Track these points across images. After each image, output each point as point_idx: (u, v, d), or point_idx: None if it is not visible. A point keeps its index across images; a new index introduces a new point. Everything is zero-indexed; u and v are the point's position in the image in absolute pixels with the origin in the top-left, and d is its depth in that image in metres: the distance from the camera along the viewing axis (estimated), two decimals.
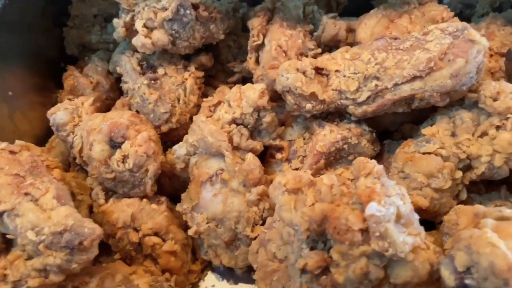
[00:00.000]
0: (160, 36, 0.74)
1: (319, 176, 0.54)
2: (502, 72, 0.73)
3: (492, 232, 0.42)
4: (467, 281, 0.42)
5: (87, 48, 0.92)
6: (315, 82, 0.65)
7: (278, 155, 0.70)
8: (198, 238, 0.67)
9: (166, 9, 0.72)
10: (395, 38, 0.66)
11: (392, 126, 0.73)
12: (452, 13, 0.72)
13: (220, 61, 0.87)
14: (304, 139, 0.69)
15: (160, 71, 0.78)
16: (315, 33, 0.78)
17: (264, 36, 0.76)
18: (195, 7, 0.75)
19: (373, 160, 0.50)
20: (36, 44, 0.87)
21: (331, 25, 0.76)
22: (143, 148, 0.63)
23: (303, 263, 0.48)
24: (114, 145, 0.63)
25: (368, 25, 0.74)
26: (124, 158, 0.63)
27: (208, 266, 0.71)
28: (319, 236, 0.49)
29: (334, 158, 0.67)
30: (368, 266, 0.45)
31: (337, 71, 0.66)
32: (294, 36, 0.74)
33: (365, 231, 0.45)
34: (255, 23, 0.76)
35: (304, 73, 0.64)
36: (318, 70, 0.66)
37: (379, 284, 0.46)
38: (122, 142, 0.63)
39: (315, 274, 0.47)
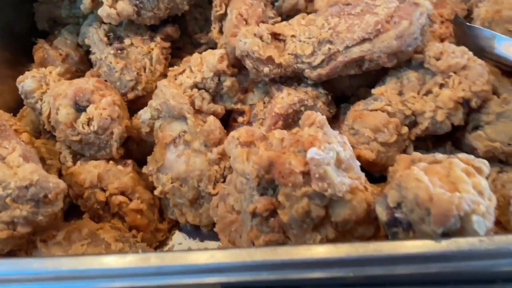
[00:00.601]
0: (124, 6, 0.76)
1: None
2: (452, 38, 0.77)
3: (419, 170, 0.46)
4: (397, 215, 0.46)
5: (57, 22, 0.94)
6: (272, 47, 0.68)
7: (240, 119, 0.73)
8: (164, 198, 0.71)
9: None
10: (348, 4, 0.69)
11: (349, 90, 0.77)
12: None
13: (187, 33, 0.90)
14: (264, 103, 0.73)
15: (127, 41, 0.80)
16: (276, 3, 0.81)
17: (227, 6, 0.79)
18: None
19: (317, 113, 0.54)
20: (7, 20, 0.89)
21: None
22: (107, 111, 0.65)
23: (253, 207, 0.51)
24: (79, 108, 0.66)
25: None
26: (89, 121, 0.66)
27: (175, 225, 0.75)
28: (269, 184, 0.52)
29: (292, 120, 0.71)
30: (309, 205, 0.48)
31: (293, 36, 0.69)
32: (254, 5, 0.77)
33: (306, 174, 0.48)
34: None
35: (261, 37, 0.68)
36: (275, 36, 0.70)
37: (321, 222, 0.50)
38: (87, 106, 0.66)
39: (264, 217, 0.51)
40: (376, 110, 0.63)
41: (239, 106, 0.73)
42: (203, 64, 0.69)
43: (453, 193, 0.43)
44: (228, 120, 0.75)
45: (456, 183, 0.44)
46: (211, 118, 0.68)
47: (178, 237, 0.74)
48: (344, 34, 0.66)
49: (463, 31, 0.71)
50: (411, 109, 0.64)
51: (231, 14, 0.76)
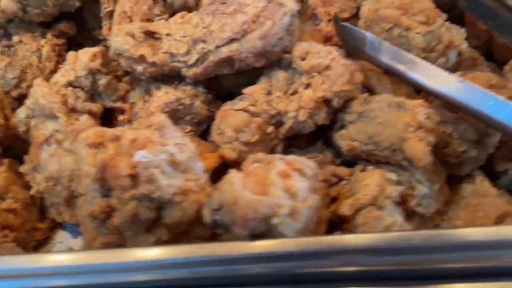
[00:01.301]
0: (7, 3, 0.75)
1: None
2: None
3: (236, 172, 0.47)
4: (216, 217, 0.47)
5: None
6: (145, 45, 0.68)
7: (121, 117, 0.73)
8: (42, 197, 0.71)
9: None
10: (223, 3, 0.69)
11: (235, 89, 0.77)
12: None
13: (87, 29, 0.89)
14: (144, 101, 0.73)
15: (15, 38, 0.79)
16: (168, 0, 0.81)
17: (115, 2, 0.78)
18: None
19: (161, 114, 0.54)
20: None
21: None
22: None
23: (92, 210, 0.52)
24: None
25: None
26: None
27: (59, 224, 0.75)
28: (108, 186, 0.52)
29: (171, 118, 0.71)
30: (138, 208, 0.49)
31: (168, 34, 0.69)
32: (140, 2, 0.76)
33: (135, 177, 0.49)
34: None
35: (133, 36, 0.67)
36: (151, 34, 0.69)
37: (153, 224, 0.50)
38: None
39: (102, 219, 0.52)
40: (240, 110, 0.64)
41: (119, 104, 0.72)
42: (77, 62, 0.69)
43: (261, 196, 0.43)
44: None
45: (267, 185, 0.45)
46: (84, 117, 0.68)
47: (60, 236, 0.74)
48: (216, 34, 0.66)
49: (341, 31, 0.72)
50: (276, 108, 0.64)
51: (116, 11, 0.76)
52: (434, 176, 0.62)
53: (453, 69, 0.69)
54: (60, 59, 0.83)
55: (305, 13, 0.83)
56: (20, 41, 0.79)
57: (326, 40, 0.78)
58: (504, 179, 0.67)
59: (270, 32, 0.63)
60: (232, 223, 0.45)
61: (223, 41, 0.65)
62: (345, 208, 0.53)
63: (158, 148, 0.49)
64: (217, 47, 0.66)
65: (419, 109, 0.55)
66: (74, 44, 0.87)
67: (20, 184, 0.71)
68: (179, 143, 0.52)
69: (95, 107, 0.70)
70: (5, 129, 0.72)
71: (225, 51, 0.65)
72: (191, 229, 0.51)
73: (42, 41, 0.81)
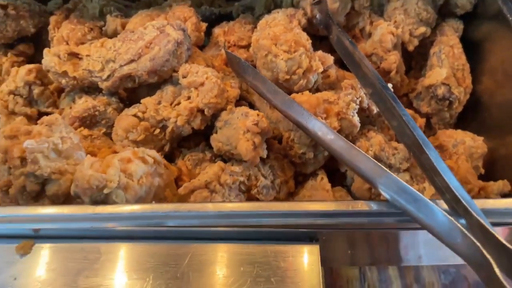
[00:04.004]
0: None
1: None
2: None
3: (92, 157, 0.64)
4: (75, 190, 0.64)
5: None
6: (68, 64, 0.87)
7: None
8: None
9: None
10: (132, 32, 0.88)
11: None
12: (192, 11, 0.94)
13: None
14: (70, 107, 0.91)
15: None
16: (103, 28, 1.00)
17: (59, 29, 0.98)
18: (4, 6, 0.97)
19: (55, 114, 0.72)
20: None
21: (112, 21, 0.98)
22: None
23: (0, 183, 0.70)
24: None
25: (134, 21, 0.97)
26: None
27: None
28: None
29: (90, 122, 0.89)
30: (25, 182, 0.66)
31: (87, 55, 0.87)
32: (76, 30, 0.96)
33: (24, 159, 0.67)
34: (51, 19, 0.99)
35: (58, 56, 0.86)
36: (75, 55, 0.88)
37: (38, 195, 0.68)
38: None
39: (5, 190, 0.69)
40: (131, 115, 0.81)
41: (50, 109, 0.91)
42: (17, 75, 0.88)
43: (99, 173, 0.60)
44: None
45: (108, 167, 0.62)
46: (19, 118, 0.86)
47: None
48: (121, 56, 0.84)
49: (228, 57, 0.89)
50: (162, 115, 0.81)
51: (55, 36, 0.96)
52: (280, 172, 0.78)
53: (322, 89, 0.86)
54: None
55: (211, 41, 1.01)
56: None
57: (225, 64, 0.95)
58: (348, 179, 0.82)
59: (157, 55, 0.81)
60: (79, 192, 0.62)
61: (125, 61, 0.83)
62: (181, 189, 0.69)
63: (43, 139, 0.67)
64: (121, 66, 0.84)
65: (251, 118, 0.71)
66: (36, 61, 1.07)
67: None
68: (64, 136, 0.70)
69: (30, 111, 0.89)
70: None
71: (126, 69, 0.83)
72: (69, 200, 0.68)
73: (4, 59, 1.01)
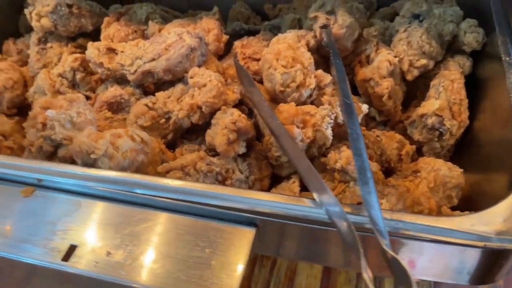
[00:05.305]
0: (45, 22, 1.17)
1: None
2: (250, 70, 1.06)
3: (92, 130, 0.78)
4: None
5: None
6: (105, 57, 1.04)
7: (89, 102, 1.09)
8: None
9: (49, 5, 1.16)
10: (159, 36, 1.03)
11: None
12: (216, 24, 1.08)
13: None
14: (103, 93, 1.08)
15: (48, 45, 1.21)
16: (146, 31, 1.17)
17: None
18: (69, 5, 1.17)
19: (78, 94, 0.88)
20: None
21: (152, 26, 1.15)
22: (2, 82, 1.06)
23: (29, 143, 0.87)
24: None
25: (168, 27, 1.12)
26: None
27: None
28: None
29: (116, 107, 1.05)
30: (42, 143, 0.82)
31: (122, 51, 1.04)
32: (121, 30, 1.14)
33: (45, 124, 0.83)
34: (105, 20, 1.17)
35: (98, 49, 1.04)
36: (112, 50, 1.05)
37: (51, 155, 0.83)
38: None
39: (32, 149, 0.86)
40: (143, 104, 0.95)
41: (88, 93, 1.09)
42: (66, 62, 1.07)
43: (94, 142, 0.74)
44: None
45: (100, 138, 0.75)
46: (60, 96, 1.05)
47: None
48: (147, 54, 1.00)
49: (237, 67, 1.00)
50: (168, 108, 0.94)
51: (103, 34, 1.15)
52: (256, 170, 0.87)
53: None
54: None
55: (231, 52, 1.13)
56: (51, 47, 1.21)
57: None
58: None
59: (172, 57, 0.95)
60: (73, 154, 0.76)
61: (148, 59, 0.98)
62: (159, 167, 0.80)
63: (62, 111, 0.83)
64: (144, 63, 0.99)
65: (230, 117, 0.81)
66: None
67: (22, 133, 1.09)
68: (80, 112, 0.85)
69: (71, 92, 1.07)
70: (23, 98, 1.11)
71: (147, 66, 0.98)
72: (74, 163, 0.83)
73: (64, 48, 1.22)
